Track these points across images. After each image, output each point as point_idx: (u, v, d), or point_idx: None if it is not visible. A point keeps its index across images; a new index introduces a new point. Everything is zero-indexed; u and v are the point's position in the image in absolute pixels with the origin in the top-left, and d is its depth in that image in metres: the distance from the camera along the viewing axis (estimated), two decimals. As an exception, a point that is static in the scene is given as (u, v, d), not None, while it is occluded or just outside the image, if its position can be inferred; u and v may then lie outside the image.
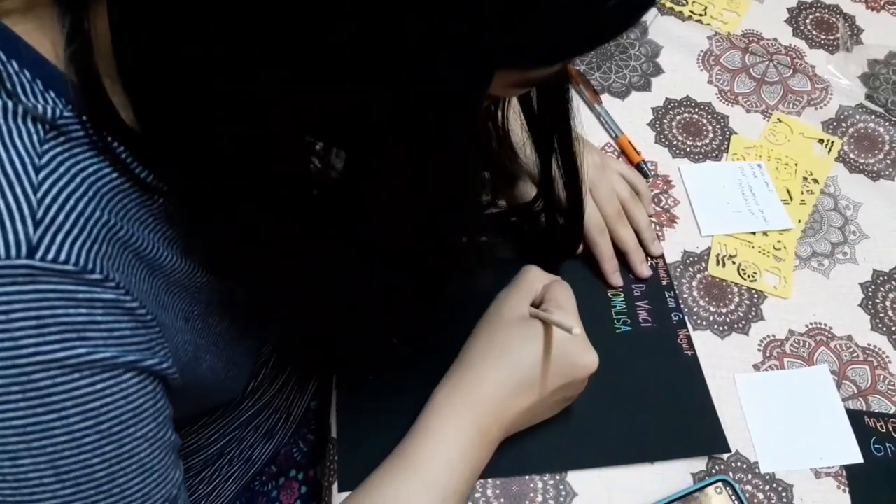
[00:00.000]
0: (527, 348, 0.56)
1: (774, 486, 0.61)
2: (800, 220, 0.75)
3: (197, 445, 0.68)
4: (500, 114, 0.61)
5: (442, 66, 0.34)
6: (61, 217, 0.35)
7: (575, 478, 0.60)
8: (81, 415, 0.36)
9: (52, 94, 0.36)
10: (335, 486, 0.58)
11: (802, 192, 0.77)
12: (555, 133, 0.58)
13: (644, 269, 0.70)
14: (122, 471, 0.39)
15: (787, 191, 0.77)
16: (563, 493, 0.59)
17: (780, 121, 0.82)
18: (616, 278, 0.69)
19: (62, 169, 0.35)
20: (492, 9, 0.32)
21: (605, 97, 0.82)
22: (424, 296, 0.54)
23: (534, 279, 0.61)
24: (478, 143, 0.55)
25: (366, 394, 0.62)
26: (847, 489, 0.61)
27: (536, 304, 0.60)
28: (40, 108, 0.35)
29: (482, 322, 0.60)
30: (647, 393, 0.64)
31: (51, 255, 0.34)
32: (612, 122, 0.80)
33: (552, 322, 0.55)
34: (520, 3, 0.32)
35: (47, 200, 0.34)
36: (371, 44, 0.33)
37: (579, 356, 0.56)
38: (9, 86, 0.35)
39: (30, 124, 0.35)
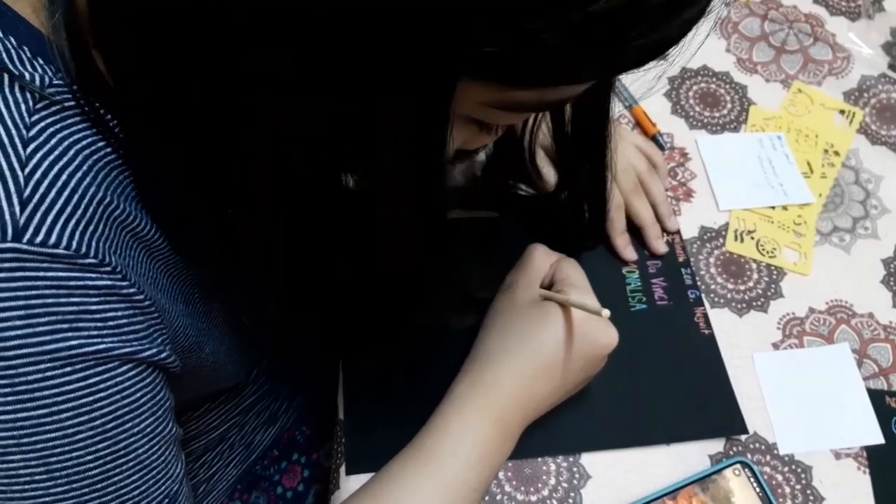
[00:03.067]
0: (545, 333, 0.54)
1: (793, 467, 0.59)
2: (820, 194, 0.73)
3: (198, 431, 0.67)
4: (526, 136, 0.59)
5: (399, 76, 0.30)
6: (52, 194, 0.32)
7: (589, 459, 0.58)
8: (74, 410, 0.34)
9: (41, 61, 0.34)
10: (342, 469, 0.57)
11: (823, 165, 0.74)
12: (587, 149, 0.56)
13: (660, 245, 0.67)
14: (118, 468, 0.37)
15: (808, 163, 0.74)
16: (577, 475, 0.58)
17: (801, 91, 0.79)
18: (629, 252, 0.67)
19: (53, 141, 0.33)
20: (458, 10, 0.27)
21: (618, 66, 0.79)
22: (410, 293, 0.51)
23: (540, 258, 0.59)
24: (448, 166, 0.50)
25: (373, 375, 0.60)
26: (867, 470, 0.59)
27: (546, 285, 0.58)
28: (27, 75, 0.33)
29: (494, 310, 0.57)
30: (663, 373, 0.62)
31: (39, 238, 0.31)
32: (626, 92, 0.77)
33: (577, 306, 0.53)
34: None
35: (36, 176, 0.32)
36: (318, 58, 0.30)
37: (599, 334, 0.54)
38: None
39: (17, 93, 0.32)
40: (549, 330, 0.54)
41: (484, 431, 0.52)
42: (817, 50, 0.82)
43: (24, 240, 0.31)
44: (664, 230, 0.69)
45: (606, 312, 0.50)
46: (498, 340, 0.55)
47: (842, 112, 0.78)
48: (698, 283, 0.66)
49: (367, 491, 0.51)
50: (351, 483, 0.56)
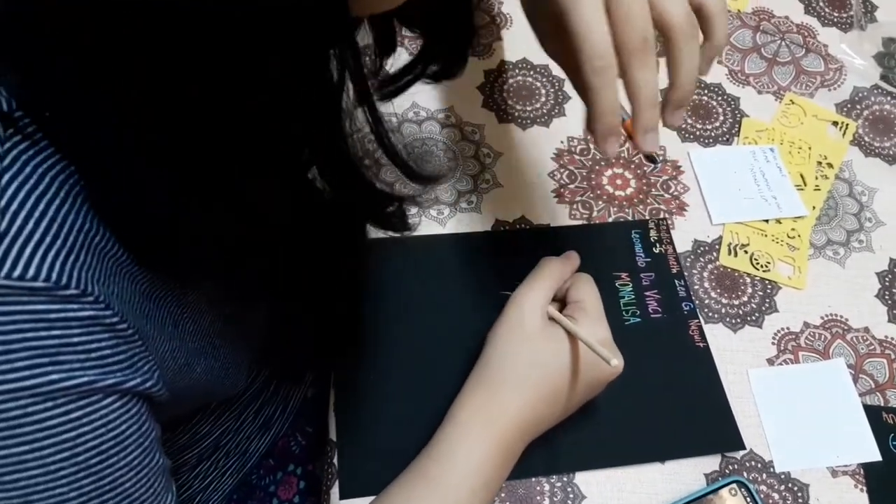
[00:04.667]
0: (554, 360, 0.53)
1: (790, 485, 0.58)
2: (814, 207, 0.72)
3: (190, 440, 0.66)
4: None
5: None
6: (30, 225, 0.31)
7: (583, 479, 0.57)
8: (56, 446, 0.33)
9: (4, 88, 0.32)
10: (334, 490, 0.56)
11: (817, 178, 0.74)
12: None
13: (649, 142, 0.45)
14: None
15: (801, 176, 0.74)
16: (572, 495, 0.57)
17: (793, 102, 0.79)
18: (611, 145, 0.45)
19: (28, 170, 0.31)
20: None
21: (610, 78, 0.79)
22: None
23: (552, 275, 0.57)
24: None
25: (365, 394, 0.59)
26: (865, 488, 0.58)
27: (559, 298, 0.57)
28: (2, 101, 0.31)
29: (501, 328, 0.55)
30: (658, 388, 0.61)
31: (17, 272, 0.30)
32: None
33: (588, 345, 0.52)
34: None
35: (14, 207, 0.31)
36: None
37: (606, 364, 0.53)
38: None
39: None
40: (557, 358, 0.53)
41: (487, 459, 0.51)
42: (809, 61, 0.82)
43: (2, 274, 0.30)
44: (666, 123, 0.47)
45: (616, 362, 0.50)
46: (506, 365, 0.54)
47: (835, 124, 0.78)
48: (692, 297, 0.66)
49: None
50: (342, 506, 0.55)
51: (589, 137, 0.53)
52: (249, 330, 0.60)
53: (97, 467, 0.35)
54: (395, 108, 0.74)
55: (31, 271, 0.31)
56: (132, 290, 0.37)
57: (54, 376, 0.32)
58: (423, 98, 0.75)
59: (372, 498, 0.53)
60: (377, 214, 0.46)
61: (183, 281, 0.42)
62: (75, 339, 0.33)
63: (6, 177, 0.31)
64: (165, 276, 0.41)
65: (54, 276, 0.31)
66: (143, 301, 0.38)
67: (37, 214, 0.31)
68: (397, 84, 0.53)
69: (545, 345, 0.54)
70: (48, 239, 0.32)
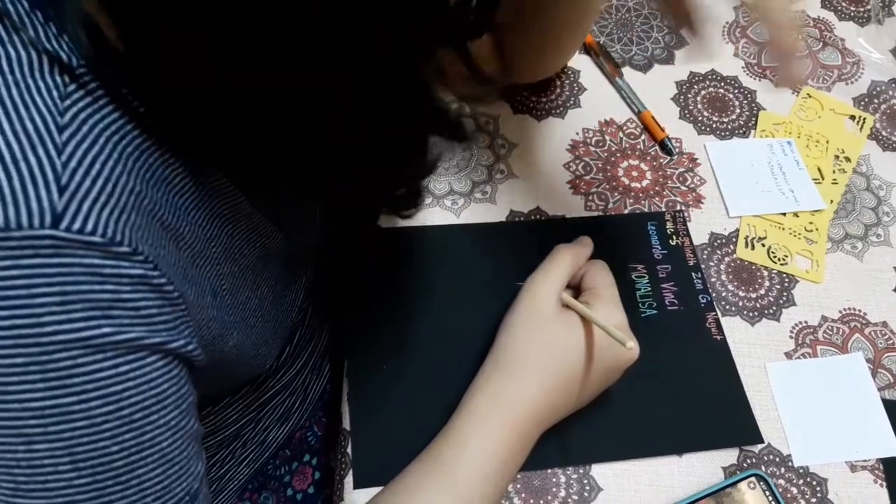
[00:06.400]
0: (570, 346, 0.52)
1: (808, 479, 0.58)
2: (832, 201, 0.71)
3: (215, 426, 0.65)
4: None
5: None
6: (87, 183, 0.31)
7: (599, 471, 0.57)
8: (102, 399, 0.33)
9: (65, 38, 0.32)
10: (347, 480, 0.55)
11: (834, 171, 0.73)
12: None
13: (798, 67, 0.49)
14: (142, 461, 0.36)
15: (819, 170, 0.73)
16: (587, 487, 0.56)
17: (810, 96, 0.78)
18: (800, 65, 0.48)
19: (85, 128, 0.32)
20: None
21: (626, 70, 0.78)
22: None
23: (565, 261, 0.57)
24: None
25: (379, 384, 0.59)
26: (884, 483, 0.58)
27: (574, 286, 0.56)
28: (64, 56, 0.31)
29: (515, 315, 0.55)
30: (675, 380, 0.60)
31: (77, 225, 0.31)
32: (634, 97, 0.76)
33: (603, 328, 0.52)
34: None
35: (72, 164, 0.31)
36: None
37: (622, 349, 0.53)
38: (31, 32, 0.31)
39: (48, 78, 0.31)
40: (572, 344, 0.52)
41: (502, 445, 0.51)
42: (826, 55, 0.81)
43: (62, 227, 0.30)
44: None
45: (632, 344, 0.49)
46: (520, 351, 0.53)
47: (852, 118, 0.77)
48: (709, 290, 0.65)
49: (380, 501, 0.50)
50: (357, 495, 0.54)
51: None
52: (284, 312, 0.59)
53: (139, 423, 0.35)
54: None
55: (90, 226, 0.31)
56: (177, 253, 0.37)
57: (106, 329, 0.32)
58: (438, 90, 0.75)
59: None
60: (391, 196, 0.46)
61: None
62: (126, 296, 0.33)
63: (66, 133, 0.31)
64: (219, 237, 0.41)
65: (109, 232, 0.32)
66: (187, 266, 0.39)
67: (93, 173, 0.32)
68: None
69: (560, 331, 0.53)
70: (103, 197, 0.32)
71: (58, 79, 0.32)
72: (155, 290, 0.34)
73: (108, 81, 0.33)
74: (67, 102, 0.32)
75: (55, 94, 0.31)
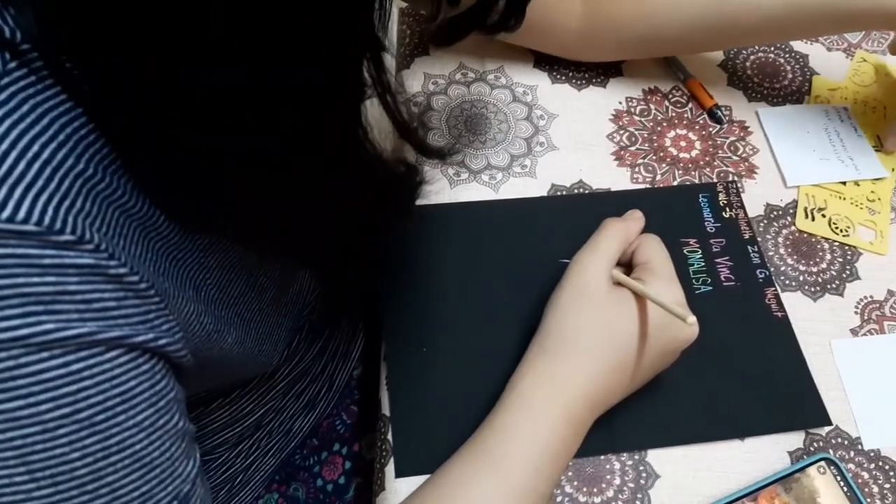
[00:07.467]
0: (623, 325, 0.49)
1: (880, 463, 0.54)
2: (893, 169, 0.67)
3: (231, 418, 0.62)
4: None
5: None
6: (21, 166, 0.28)
7: (656, 457, 0.53)
8: (53, 401, 0.30)
9: (12, 11, 0.29)
10: (388, 468, 0.52)
11: (895, 138, 0.69)
12: None
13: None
14: (111, 467, 0.33)
15: (878, 137, 0.69)
16: (644, 474, 0.53)
17: (865, 60, 0.74)
18: None
19: (25, 108, 0.29)
20: None
21: (669, 37, 0.74)
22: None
23: (615, 236, 0.53)
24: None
25: (419, 368, 0.55)
26: (962, 468, 0.54)
27: (625, 262, 0.53)
28: (7, 31, 0.28)
29: (563, 294, 0.51)
30: (735, 361, 0.57)
31: (6, 213, 0.27)
32: (679, 64, 0.72)
33: (659, 304, 0.48)
34: None
35: (4, 146, 0.28)
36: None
37: (680, 328, 0.49)
38: None
39: None
40: (626, 323, 0.49)
41: (554, 433, 0.47)
42: (882, 17, 0.76)
43: None
44: None
45: (692, 319, 0.45)
46: (568, 332, 0.50)
47: (911, 82, 0.72)
48: (767, 264, 0.61)
49: (426, 497, 0.47)
50: (398, 484, 0.51)
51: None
52: (287, 307, 0.56)
53: (102, 425, 0.32)
54: (442, 70, 0.70)
55: (22, 213, 0.28)
56: (145, 244, 0.34)
57: (49, 325, 0.29)
58: (470, 59, 0.71)
59: (427, 476, 0.49)
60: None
61: (206, 230, 0.39)
62: (72, 288, 0.30)
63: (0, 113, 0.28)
64: (187, 225, 0.38)
65: (47, 220, 0.29)
66: (158, 259, 0.35)
67: (29, 155, 0.29)
68: (452, 33, 0.49)
69: (612, 309, 0.49)
70: (40, 182, 0.29)
71: None
72: (111, 280, 0.31)
73: (54, 61, 0.30)
74: (7, 80, 0.29)
75: None
